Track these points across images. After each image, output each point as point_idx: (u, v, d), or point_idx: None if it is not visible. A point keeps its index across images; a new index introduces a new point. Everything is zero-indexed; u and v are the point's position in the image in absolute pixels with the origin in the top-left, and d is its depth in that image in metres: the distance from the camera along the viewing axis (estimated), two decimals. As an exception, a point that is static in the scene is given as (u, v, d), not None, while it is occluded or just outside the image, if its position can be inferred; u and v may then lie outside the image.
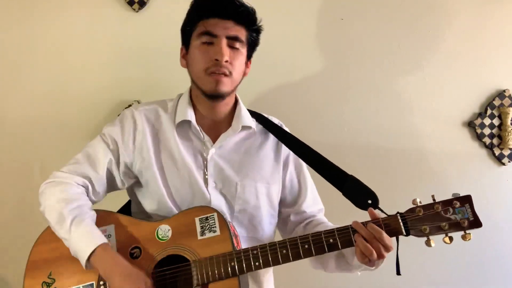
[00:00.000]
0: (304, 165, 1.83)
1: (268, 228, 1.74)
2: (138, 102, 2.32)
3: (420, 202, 1.50)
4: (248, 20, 1.65)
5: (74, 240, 1.50)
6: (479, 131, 2.48)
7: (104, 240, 1.51)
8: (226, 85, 1.62)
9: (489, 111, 2.49)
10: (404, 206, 1.51)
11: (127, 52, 2.38)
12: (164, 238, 1.55)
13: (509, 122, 2.47)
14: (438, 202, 1.48)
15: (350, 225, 1.49)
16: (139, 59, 2.37)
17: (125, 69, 2.38)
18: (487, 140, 2.49)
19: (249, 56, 1.73)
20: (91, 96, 2.36)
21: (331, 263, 1.67)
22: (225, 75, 1.60)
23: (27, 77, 2.34)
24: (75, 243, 1.50)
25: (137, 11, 2.36)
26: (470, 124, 2.49)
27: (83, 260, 1.48)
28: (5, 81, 2.34)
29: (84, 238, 1.50)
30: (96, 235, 1.52)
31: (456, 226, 1.45)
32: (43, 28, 2.34)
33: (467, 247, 2.44)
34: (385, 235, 1.44)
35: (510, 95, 2.48)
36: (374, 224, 1.46)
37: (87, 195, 1.63)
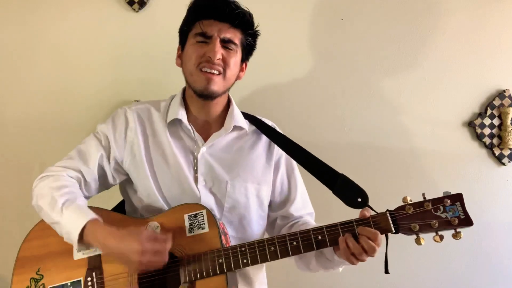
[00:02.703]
0: (296, 168, 1.84)
1: (257, 229, 1.75)
2: (138, 102, 2.33)
3: (411, 200, 1.49)
4: (244, 24, 1.67)
5: (65, 219, 1.50)
6: (479, 131, 2.47)
7: (95, 216, 1.52)
8: (217, 84, 1.63)
9: (489, 111, 2.47)
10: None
11: (127, 52, 2.39)
12: None
13: (509, 122, 2.45)
14: (428, 200, 1.48)
15: (339, 222, 1.50)
16: (139, 59, 2.38)
17: (125, 69, 2.39)
18: (487, 140, 2.47)
19: (244, 59, 1.74)
20: (91, 96, 2.37)
21: (312, 262, 1.67)
22: (218, 73, 1.62)
23: (27, 77, 2.36)
24: (66, 223, 1.50)
25: (137, 11, 2.37)
26: (470, 124, 2.48)
27: (75, 238, 1.48)
28: (5, 81, 2.36)
29: (75, 216, 1.50)
30: (87, 212, 1.53)
31: (447, 224, 1.44)
32: (44, 28, 2.36)
33: (467, 247, 2.45)
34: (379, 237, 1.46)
35: (510, 95, 2.47)
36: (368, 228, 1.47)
37: (79, 188, 1.65)
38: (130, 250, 1.42)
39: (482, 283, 2.52)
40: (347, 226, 1.48)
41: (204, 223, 1.54)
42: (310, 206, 1.85)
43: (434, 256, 2.47)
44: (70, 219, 1.50)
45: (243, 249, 1.50)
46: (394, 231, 1.47)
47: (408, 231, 1.46)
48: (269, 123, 1.85)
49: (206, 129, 1.74)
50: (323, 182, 1.69)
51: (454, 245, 2.35)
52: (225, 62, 1.63)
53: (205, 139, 1.72)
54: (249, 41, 1.72)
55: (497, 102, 2.47)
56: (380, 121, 2.48)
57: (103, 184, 1.72)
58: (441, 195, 1.49)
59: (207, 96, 1.66)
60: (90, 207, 1.61)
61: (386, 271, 1.49)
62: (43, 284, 1.55)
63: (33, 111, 2.36)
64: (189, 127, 1.70)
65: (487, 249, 2.49)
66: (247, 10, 1.69)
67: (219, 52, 1.61)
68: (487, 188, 2.48)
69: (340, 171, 1.69)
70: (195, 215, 1.55)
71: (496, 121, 2.48)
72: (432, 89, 2.49)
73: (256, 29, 1.73)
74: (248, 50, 1.75)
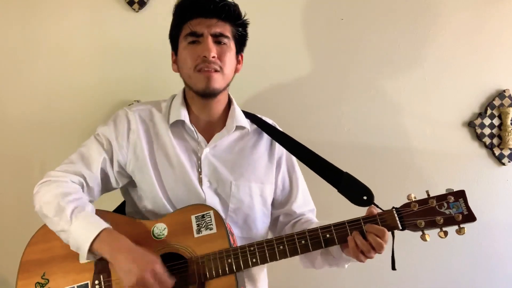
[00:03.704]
0: (297, 166, 1.85)
1: (261, 228, 1.75)
2: (138, 102, 2.32)
3: (415, 198, 1.52)
4: (231, 16, 1.66)
5: (75, 228, 1.47)
6: (479, 131, 2.48)
7: (108, 225, 1.50)
8: (217, 81, 1.63)
9: (489, 111, 2.48)
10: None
11: (127, 52, 2.38)
12: (160, 237, 1.55)
13: (509, 122, 2.46)
14: (433, 197, 1.50)
15: (346, 220, 1.50)
16: (139, 59, 2.37)
17: (125, 69, 2.38)
18: (487, 140, 2.48)
19: (238, 51, 1.73)
20: (91, 96, 2.36)
21: (318, 259, 1.67)
22: (215, 71, 1.61)
23: (27, 77, 2.35)
24: (77, 232, 1.47)
25: (137, 11, 2.37)
26: (470, 124, 2.49)
27: (85, 247, 1.45)
28: (5, 81, 2.35)
29: (86, 225, 1.48)
30: (99, 221, 1.51)
31: (451, 220, 1.47)
32: (44, 28, 2.35)
33: (467, 247, 2.45)
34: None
35: (510, 95, 2.48)
36: (376, 226, 1.48)
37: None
38: (130, 271, 1.41)
39: (482, 283, 2.52)
40: (355, 224, 1.49)
41: (212, 224, 1.53)
42: (311, 202, 1.86)
43: (434, 256, 2.47)
44: (80, 229, 1.47)
45: (252, 248, 1.50)
46: (401, 228, 1.49)
47: (414, 228, 1.48)
48: (270, 121, 1.85)
49: (209, 130, 1.73)
50: (327, 181, 1.70)
51: (454, 245, 2.38)
52: (220, 59, 1.62)
53: (208, 139, 1.71)
54: (240, 31, 1.70)
55: (497, 102, 2.48)
56: (380, 121, 2.48)
57: (106, 187, 1.70)
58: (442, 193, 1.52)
59: (209, 94, 1.66)
60: (96, 210, 1.59)
61: (393, 268, 1.50)
62: None
63: (33, 111, 2.35)
64: (192, 128, 1.69)
65: (487, 249, 2.50)
66: (232, 1, 1.68)
67: (213, 49, 1.60)
68: (487, 188, 2.49)
69: (341, 171, 1.70)
70: (203, 216, 1.54)
71: (496, 121, 2.49)
72: (432, 89, 2.49)
73: (245, 18, 1.71)
74: (241, 41, 1.73)
